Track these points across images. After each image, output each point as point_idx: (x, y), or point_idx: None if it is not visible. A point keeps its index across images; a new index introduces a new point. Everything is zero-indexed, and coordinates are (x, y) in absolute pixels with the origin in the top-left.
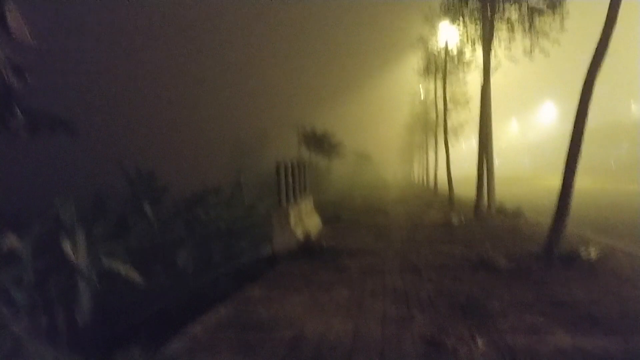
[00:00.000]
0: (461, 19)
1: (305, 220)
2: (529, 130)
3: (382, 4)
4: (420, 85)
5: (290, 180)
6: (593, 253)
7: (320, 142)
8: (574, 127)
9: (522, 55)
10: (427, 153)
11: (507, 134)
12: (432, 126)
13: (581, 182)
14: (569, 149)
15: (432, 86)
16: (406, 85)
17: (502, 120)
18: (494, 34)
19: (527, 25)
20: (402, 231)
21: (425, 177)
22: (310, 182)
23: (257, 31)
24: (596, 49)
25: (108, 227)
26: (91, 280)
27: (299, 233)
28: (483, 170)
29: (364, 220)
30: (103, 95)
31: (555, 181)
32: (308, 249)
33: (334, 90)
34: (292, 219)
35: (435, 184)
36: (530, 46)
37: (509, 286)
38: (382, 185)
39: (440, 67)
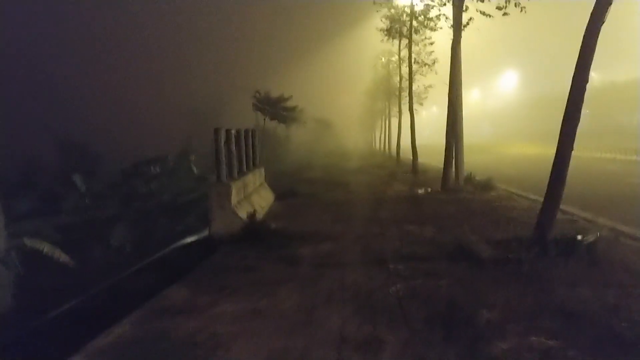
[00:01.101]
0: None
1: (253, 196)
2: (488, 98)
3: None
4: (383, 47)
5: (233, 149)
6: (591, 236)
7: (275, 107)
8: (573, 88)
9: (495, 12)
10: (389, 120)
11: (468, 101)
12: (396, 90)
13: (536, 149)
14: (566, 113)
15: (396, 48)
16: (369, 47)
17: (463, 89)
18: None
19: None
20: (365, 207)
21: (387, 146)
22: (268, 151)
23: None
24: None
25: (34, 202)
26: (12, 263)
27: (243, 213)
28: (452, 138)
29: (322, 195)
30: (38, 56)
31: (517, 149)
32: (253, 232)
33: (293, 53)
34: (234, 196)
35: (398, 152)
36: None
37: (498, 285)
38: (343, 154)
39: (406, 24)
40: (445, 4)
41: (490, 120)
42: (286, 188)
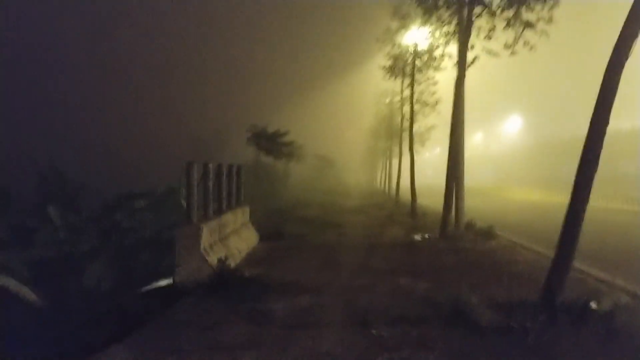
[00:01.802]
0: (434, 5)
1: (232, 238)
2: (492, 141)
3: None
4: (387, 85)
5: (210, 186)
6: (607, 302)
7: (271, 142)
8: (591, 132)
9: (502, 50)
10: (390, 159)
11: (470, 143)
12: (397, 130)
13: (539, 195)
14: (582, 161)
15: (399, 86)
16: (373, 85)
17: (466, 131)
18: (472, 23)
19: (510, 12)
20: (356, 253)
21: (388, 185)
22: (266, 187)
23: (216, 26)
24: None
25: (4, 232)
26: None
27: (214, 258)
28: (452, 181)
29: (312, 237)
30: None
31: (520, 194)
32: (223, 281)
33: (296, 89)
34: (206, 239)
35: (398, 193)
36: (514, 38)
37: None
38: (343, 192)
39: (409, 63)
40: (449, 42)
41: (493, 164)
42: (275, 228)
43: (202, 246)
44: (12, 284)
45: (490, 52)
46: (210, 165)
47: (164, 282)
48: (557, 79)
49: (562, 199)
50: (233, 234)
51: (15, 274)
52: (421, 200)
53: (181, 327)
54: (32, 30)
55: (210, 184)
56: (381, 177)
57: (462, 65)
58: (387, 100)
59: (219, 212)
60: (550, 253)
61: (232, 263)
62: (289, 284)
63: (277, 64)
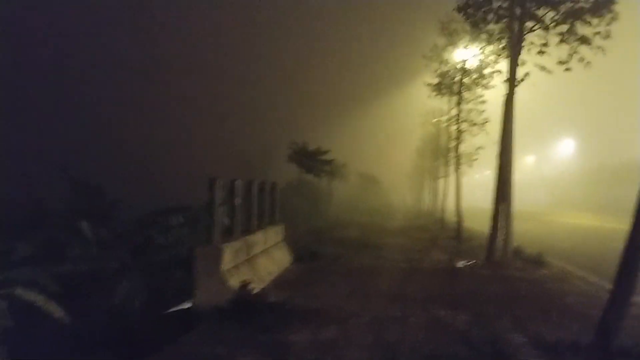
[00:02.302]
0: (483, 20)
1: (260, 259)
2: (544, 164)
3: (391, 11)
4: (434, 104)
5: (237, 204)
6: None
7: (311, 160)
8: None
9: (555, 66)
10: (436, 180)
11: (521, 166)
12: (444, 150)
13: (593, 221)
14: None
15: (446, 105)
16: (419, 103)
17: (516, 153)
18: (523, 37)
19: (564, 27)
20: (393, 278)
21: (434, 207)
22: (309, 206)
23: (256, 39)
24: None
25: (36, 247)
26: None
27: (236, 281)
28: (500, 204)
29: (347, 259)
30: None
31: (573, 219)
32: (243, 307)
33: (342, 107)
34: (227, 261)
35: (443, 215)
36: (568, 54)
37: None
38: (386, 212)
39: (456, 81)
40: (498, 60)
41: (545, 187)
42: (310, 248)
43: (222, 268)
44: (39, 299)
45: (542, 69)
46: (238, 182)
47: (186, 305)
48: (612, 100)
49: (617, 225)
50: (263, 254)
51: (44, 290)
52: (469, 223)
53: (187, 359)
54: (62, 31)
55: (237, 201)
56: (427, 198)
57: (511, 82)
58: (434, 120)
59: (248, 231)
60: (606, 284)
61: (259, 286)
62: (315, 311)
63: (323, 80)
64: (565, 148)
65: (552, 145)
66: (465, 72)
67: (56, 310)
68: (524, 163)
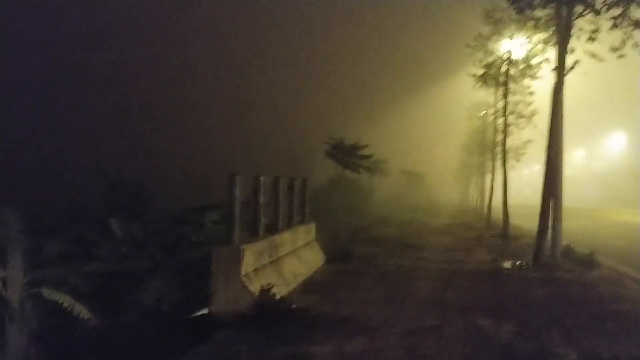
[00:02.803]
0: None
1: (288, 260)
2: (594, 159)
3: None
4: (479, 97)
5: (261, 202)
6: None
7: (349, 155)
8: None
9: (608, 53)
10: (483, 176)
11: (571, 161)
12: (490, 145)
13: None
14: None
15: (492, 98)
16: (464, 96)
17: (566, 147)
18: (572, 23)
19: (617, 10)
20: (431, 283)
21: (480, 203)
22: (349, 203)
23: (297, 32)
24: None
25: (66, 245)
26: (25, 317)
27: (257, 285)
28: (549, 201)
29: (384, 260)
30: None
31: (623, 215)
32: (264, 314)
33: (385, 102)
34: (249, 263)
35: (490, 212)
36: (622, 40)
37: None
38: (430, 209)
39: (502, 72)
40: (547, 48)
41: (596, 183)
42: (345, 248)
43: (243, 271)
44: (66, 300)
45: (593, 56)
46: (262, 179)
47: (204, 312)
48: None
49: None
50: (291, 255)
51: (74, 289)
52: (517, 221)
53: None
54: (103, 29)
55: (262, 199)
56: (474, 194)
57: (560, 70)
58: (480, 113)
59: (275, 230)
60: None
61: (285, 290)
62: (343, 320)
63: (363, 73)
64: (617, 142)
65: (603, 139)
66: (511, 62)
67: (83, 312)
68: (574, 158)
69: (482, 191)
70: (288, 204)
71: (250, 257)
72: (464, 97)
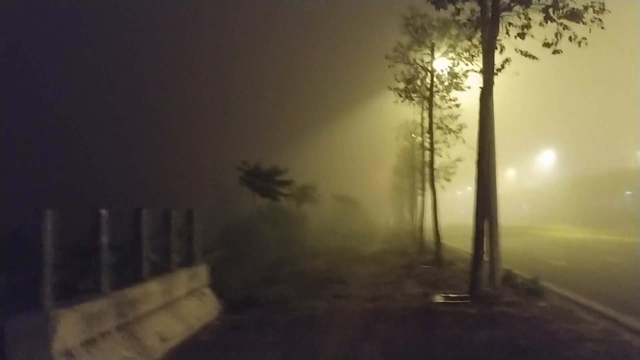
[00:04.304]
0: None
1: (155, 319)
2: (525, 177)
3: (350, 16)
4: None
5: (104, 242)
6: None
7: (267, 181)
8: None
9: (540, 50)
10: (414, 198)
11: (502, 180)
12: (419, 165)
13: (582, 233)
14: None
15: (418, 114)
16: (394, 115)
17: (497, 165)
18: (500, 17)
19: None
20: (349, 329)
21: (413, 226)
22: (281, 233)
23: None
24: None
25: None
26: None
27: None
28: (483, 222)
29: (297, 303)
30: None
31: (560, 232)
32: None
33: (309, 123)
34: (68, 336)
35: (422, 236)
36: (555, 33)
37: None
38: (365, 235)
39: (424, 84)
40: (471, 56)
41: (527, 200)
42: (252, 291)
43: (57, 347)
44: None
45: (525, 55)
46: (104, 213)
47: None
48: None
49: (608, 236)
50: (161, 311)
51: None
52: (451, 242)
53: None
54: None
55: (104, 239)
56: (408, 217)
57: (488, 72)
58: (407, 132)
59: (137, 279)
60: (627, 318)
61: None
62: None
63: (284, 98)
64: (546, 159)
65: (532, 156)
66: (434, 72)
67: None
68: (505, 176)
69: (413, 214)
70: (164, 242)
71: (75, 325)
72: (392, 116)
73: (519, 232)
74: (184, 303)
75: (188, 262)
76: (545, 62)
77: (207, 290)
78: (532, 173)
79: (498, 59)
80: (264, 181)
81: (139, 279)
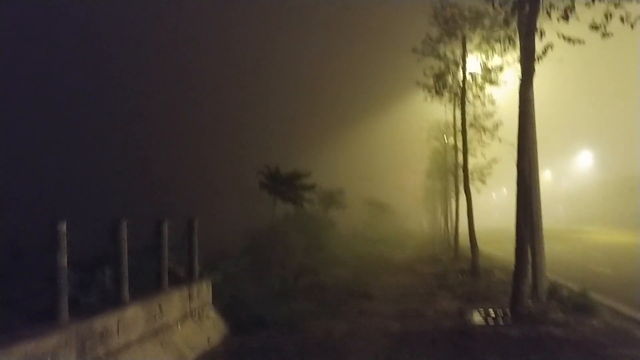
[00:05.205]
0: None
1: (130, 353)
2: (562, 179)
3: (377, 13)
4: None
5: (63, 264)
6: None
7: (288, 186)
8: None
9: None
10: (448, 202)
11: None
12: (452, 167)
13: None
14: None
15: (450, 113)
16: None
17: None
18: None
19: None
20: (369, 358)
21: (447, 231)
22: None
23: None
24: None
25: None
26: None
27: None
28: (526, 229)
29: (310, 322)
30: None
31: (600, 236)
32: None
33: (339, 128)
34: None
35: (456, 242)
36: (605, 14)
37: None
38: (396, 240)
39: (456, 78)
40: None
41: (564, 202)
42: (267, 306)
43: None
44: None
45: (568, 40)
46: (61, 228)
47: None
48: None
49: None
50: (146, 341)
51: None
52: (487, 247)
53: None
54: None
55: (63, 260)
56: (442, 221)
57: (528, 57)
58: (439, 133)
59: (118, 302)
60: None
61: None
62: None
63: (310, 101)
64: (583, 160)
65: (569, 158)
66: (466, 66)
67: None
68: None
69: (447, 218)
70: (159, 259)
71: None
72: (423, 116)
73: (556, 235)
74: (176, 329)
75: (187, 278)
76: (581, 54)
77: (210, 311)
78: (568, 174)
79: (538, 46)
80: (285, 185)
81: (119, 303)
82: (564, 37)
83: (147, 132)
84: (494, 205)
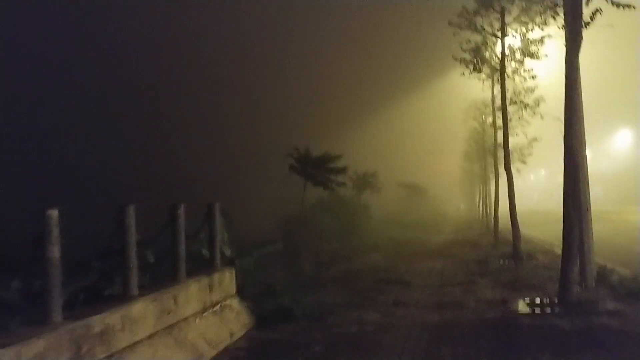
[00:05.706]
0: None
1: (139, 352)
2: (599, 158)
3: None
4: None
5: (56, 256)
6: None
7: (319, 168)
8: None
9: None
10: (487, 183)
11: None
12: (491, 148)
13: None
14: None
15: (487, 90)
16: (460, 94)
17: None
18: None
19: None
20: (405, 353)
21: (486, 214)
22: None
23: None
24: None
25: None
26: None
27: None
28: (574, 212)
29: (342, 314)
30: None
31: (636, 216)
32: None
33: (373, 108)
34: None
35: (496, 226)
36: None
37: None
38: (433, 224)
39: (494, 52)
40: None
41: (602, 182)
42: (297, 296)
43: None
44: None
45: (617, 6)
46: (53, 214)
47: None
48: None
49: None
50: (157, 338)
51: None
52: (527, 231)
53: None
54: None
55: (56, 252)
56: (480, 204)
57: (575, 20)
58: (475, 112)
59: (125, 297)
60: None
61: None
62: None
63: (343, 81)
64: (622, 140)
65: (607, 137)
66: (505, 38)
67: None
68: None
69: (486, 200)
70: (174, 246)
71: None
72: (461, 95)
73: (597, 217)
74: (193, 324)
75: (208, 268)
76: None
77: (234, 302)
78: (607, 153)
79: (585, 12)
80: (315, 168)
81: (124, 297)
82: (612, 3)
83: (174, 121)
84: (532, 188)
